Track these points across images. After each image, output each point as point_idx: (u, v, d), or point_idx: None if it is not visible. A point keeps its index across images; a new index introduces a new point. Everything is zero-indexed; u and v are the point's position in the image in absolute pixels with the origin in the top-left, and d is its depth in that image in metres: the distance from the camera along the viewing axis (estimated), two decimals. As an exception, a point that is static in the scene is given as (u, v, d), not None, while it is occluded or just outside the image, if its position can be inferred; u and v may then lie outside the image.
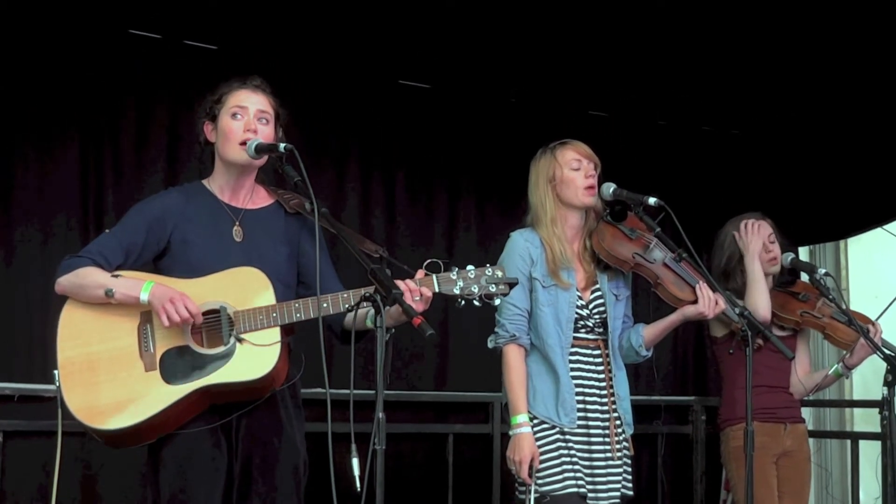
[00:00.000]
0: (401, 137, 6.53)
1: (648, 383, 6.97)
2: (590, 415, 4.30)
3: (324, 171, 6.25)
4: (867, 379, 7.96)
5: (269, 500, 3.70)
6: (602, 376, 4.37)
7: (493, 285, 3.67)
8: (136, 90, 5.74)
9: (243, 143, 3.73)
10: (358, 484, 3.22)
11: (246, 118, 3.76)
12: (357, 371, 3.48)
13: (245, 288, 3.66)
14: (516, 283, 3.83)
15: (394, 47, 6.17)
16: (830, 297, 5.04)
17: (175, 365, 3.59)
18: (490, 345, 4.36)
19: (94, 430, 3.58)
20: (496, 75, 6.58)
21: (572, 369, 4.31)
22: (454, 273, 3.67)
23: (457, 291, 3.65)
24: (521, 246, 4.34)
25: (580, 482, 4.22)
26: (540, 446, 4.23)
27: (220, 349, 3.61)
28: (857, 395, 8.11)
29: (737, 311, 4.34)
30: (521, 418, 4.23)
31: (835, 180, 7.37)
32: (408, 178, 6.54)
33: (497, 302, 3.72)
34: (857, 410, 8.10)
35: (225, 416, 3.64)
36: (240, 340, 3.60)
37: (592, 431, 4.29)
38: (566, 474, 4.21)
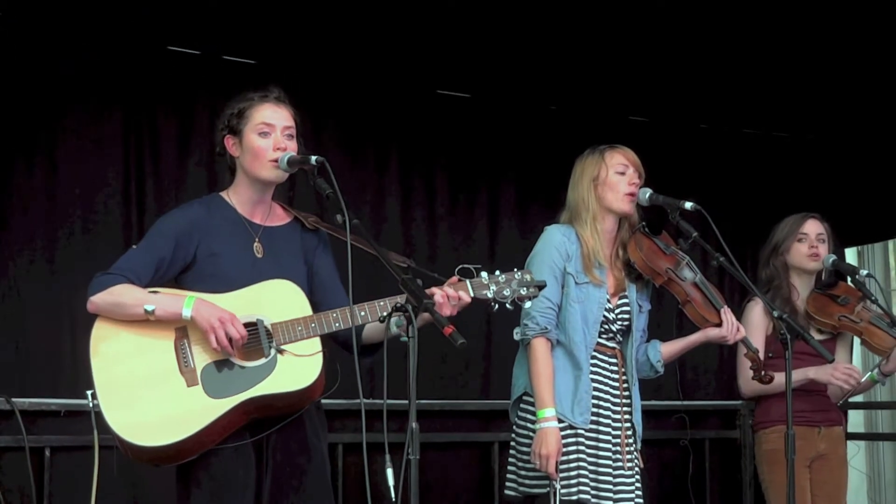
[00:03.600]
0: (440, 147, 6.54)
1: (691, 390, 6.98)
2: (602, 420, 4.31)
3: (364, 182, 6.28)
4: (920, 380, 7.89)
5: None
6: (617, 384, 4.38)
7: (525, 288, 3.73)
8: (176, 106, 5.80)
9: (274, 161, 3.71)
10: (392, 494, 3.22)
11: (274, 135, 3.73)
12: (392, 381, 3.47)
13: (279, 300, 3.65)
14: (545, 286, 3.87)
15: (432, 57, 6.19)
16: (873, 297, 5.00)
17: (217, 379, 3.56)
18: (517, 337, 4.35)
19: (137, 447, 3.52)
20: (535, 83, 6.58)
21: (591, 372, 4.32)
22: (486, 278, 3.71)
23: (490, 295, 3.70)
24: (557, 239, 4.34)
25: (582, 489, 4.22)
26: None
27: (261, 361, 3.58)
28: (910, 397, 8.05)
29: (776, 314, 4.31)
30: (548, 412, 4.20)
31: (881, 179, 7.31)
32: (449, 188, 6.55)
33: (528, 305, 3.78)
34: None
35: (256, 433, 3.62)
36: (280, 352, 3.58)
37: (602, 437, 4.29)
38: (581, 479, 4.23)
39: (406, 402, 3.30)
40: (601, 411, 4.31)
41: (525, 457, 4.32)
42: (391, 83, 6.36)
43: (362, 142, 6.32)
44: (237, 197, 3.82)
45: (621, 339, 4.42)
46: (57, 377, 5.42)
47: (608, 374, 4.37)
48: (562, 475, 4.21)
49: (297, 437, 3.71)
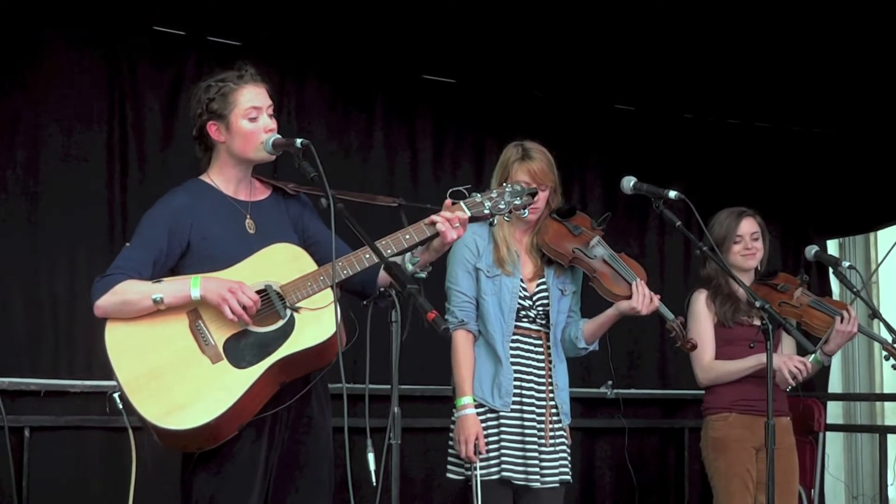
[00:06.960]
0: (426, 132, 6.53)
1: (672, 378, 7.00)
2: (525, 401, 4.41)
3: (349, 167, 6.26)
4: (898, 372, 7.92)
5: (303, 493, 3.73)
6: (542, 366, 4.47)
7: (518, 198, 3.84)
8: (161, 87, 5.77)
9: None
10: (374, 478, 3.23)
11: (262, 117, 3.74)
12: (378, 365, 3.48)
13: (282, 263, 3.67)
14: (537, 192, 4.02)
15: (418, 42, 6.18)
16: (855, 290, 5.03)
17: (240, 350, 3.56)
18: None
19: (177, 432, 3.49)
20: (521, 70, 6.58)
21: (512, 356, 4.42)
22: (479, 196, 3.79)
23: (487, 212, 3.79)
24: (468, 238, 4.39)
25: (505, 467, 4.34)
26: None
27: (280, 324, 3.59)
28: (888, 389, 8.07)
29: (758, 304, 4.32)
30: (465, 400, 4.36)
31: (864, 172, 7.34)
32: (433, 173, 6.55)
33: (525, 214, 3.92)
34: (887, 404, 8.06)
35: (268, 408, 3.62)
36: (296, 310, 3.60)
37: (526, 416, 4.39)
38: (504, 458, 4.34)
39: (388, 386, 3.31)
40: (524, 397, 4.41)
41: (451, 443, 4.45)
42: (377, 68, 6.35)
43: (347, 127, 6.30)
44: (220, 177, 3.81)
45: (544, 321, 4.51)
46: (37, 357, 5.40)
47: (532, 356, 4.46)
48: (482, 457, 4.31)
49: (305, 416, 3.74)
